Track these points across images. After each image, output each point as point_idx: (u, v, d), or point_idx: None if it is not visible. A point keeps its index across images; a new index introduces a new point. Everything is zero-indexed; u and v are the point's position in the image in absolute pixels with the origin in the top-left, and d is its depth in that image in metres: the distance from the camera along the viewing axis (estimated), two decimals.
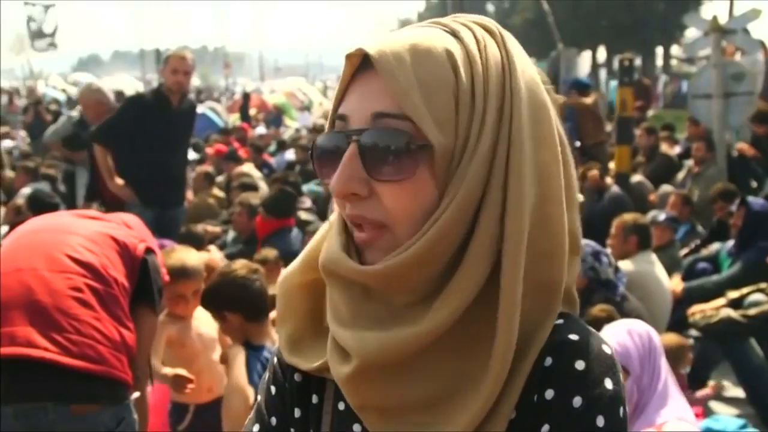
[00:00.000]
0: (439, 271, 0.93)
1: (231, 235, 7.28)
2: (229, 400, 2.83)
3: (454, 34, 0.97)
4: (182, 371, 3.36)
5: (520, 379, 0.92)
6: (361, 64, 0.97)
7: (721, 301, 5.11)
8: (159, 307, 3.00)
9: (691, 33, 16.49)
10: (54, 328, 2.53)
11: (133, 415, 2.72)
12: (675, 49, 35.51)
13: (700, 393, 4.81)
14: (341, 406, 1.04)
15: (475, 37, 0.96)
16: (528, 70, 0.98)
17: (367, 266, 0.95)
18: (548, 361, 0.93)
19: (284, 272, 1.13)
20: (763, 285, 5.02)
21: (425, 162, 0.91)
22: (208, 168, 9.92)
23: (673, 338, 4.40)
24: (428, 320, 0.91)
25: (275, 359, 1.14)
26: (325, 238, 1.09)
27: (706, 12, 27.50)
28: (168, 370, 3.36)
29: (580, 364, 0.92)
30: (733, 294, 5.12)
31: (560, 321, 0.97)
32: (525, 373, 0.92)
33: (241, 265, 3.17)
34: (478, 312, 0.92)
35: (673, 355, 4.07)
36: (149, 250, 2.94)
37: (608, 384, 0.92)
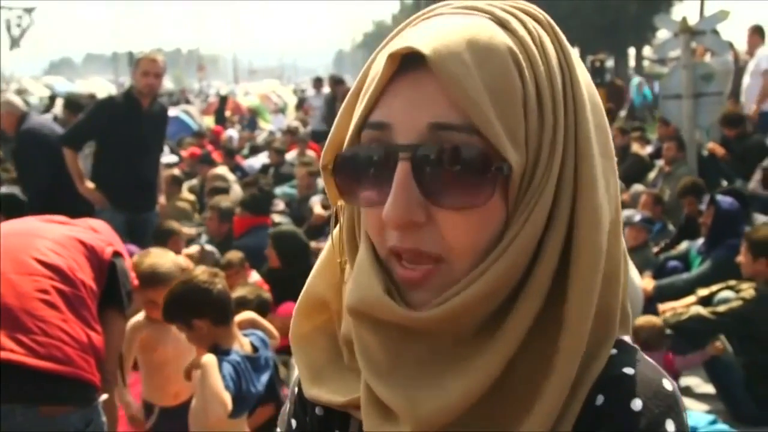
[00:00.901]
0: (501, 302, 0.79)
1: (204, 238, 7.26)
2: (207, 408, 2.80)
3: (503, 24, 0.81)
4: (139, 415, 3.45)
5: (569, 418, 0.79)
6: (402, 64, 0.79)
7: (691, 298, 5.18)
8: (128, 310, 3.00)
9: (662, 34, 16.65)
10: (20, 329, 2.52)
11: (102, 417, 2.71)
12: (647, 50, 35.81)
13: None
14: None
15: (527, 29, 0.81)
16: (581, 66, 0.84)
17: (423, 313, 0.79)
18: (600, 399, 0.80)
19: (291, 323, 1.00)
20: (732, 282, 5.08)
21: (499, 185, 0.77)
22: (175, 171, 9.88)
23: (643, 320, 4.54)
24: (482, 367, 0.77)
25: (296, 389, 1.01)
26: (320, 278, 0.96)
27: (677, 13, 27.78)
28: (131, 402, 3.46)
29: (636, 404, 0.78)
30: (703, 291, 5.18)
31: (614, 351, 0.84)
32: (575, 410, 0.79)
33: (201, 271, 3.15)
34: (532, 345, 0.79)
35: (646, 336, 4.26)
36: (117, 254, 2.93)
37: (670, 427, 0.78)
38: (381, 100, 0.80)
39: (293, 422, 1.01)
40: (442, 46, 0.76)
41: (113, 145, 6.00)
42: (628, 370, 0.81)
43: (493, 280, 0.77)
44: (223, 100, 22.35)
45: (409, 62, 0.78)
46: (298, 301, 0.99)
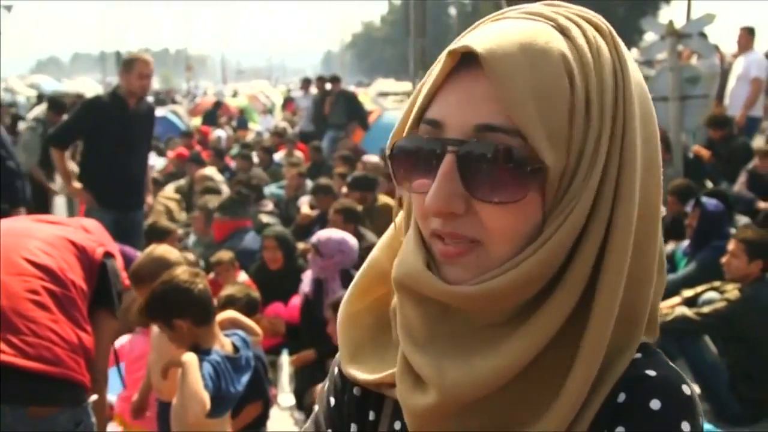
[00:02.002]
0: (534, 293, 0.85)
1: (192, 238, 7.26)
2: (187, 407, 2.81)
3: (563, 31, 0.85)
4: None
5: (589, 414, 0.84)
6: (461, 62, 0.85)
7: (676, 299, 5.21)
8: (118, 311, 2.99)
9: (649, 37, 16.73)
10: (10, 330, 2.51)
11: (92, 417, 2.71)
12: (635, 53, 36.01)
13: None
14: (397, 425, 0.97)
15: (586, 37, 0.85)
16: (637, 75, 0.88)
17: (458, 287, 0.85)
18: (621, 397, 0.85)
19: (342, 302, 1.04)
20: (716, 283, 5.12)
21: (535, 182, 0.82)
22: (154, 174, 9.87)
23: None
24: (512, 351, 0.83)
25: (336, 369, 1.07)
26: (384, 253, 1.02)
27: (664, 16, 27.91)
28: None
29: (655, 403, 0.83)
30: (688, 292, 5.22)
31: (638, 355, 0.88)
32: (595, 408, 0.84)
33: (182, 271, 3.13)
34: (560, 339, 0.84)
35: None
36: (108, 254, 2.93)
37: (685, 427, 0.82)
38: (438, 95, 0.87)
39: (332, 400, 1.06)
40: (496, 47, 0.81)
41: (101, 145, 6.00)
42: (651, 372, 0.86)
43: (528, 270, 0.82)
44: (217, 105, 22.27)
45: (467, 61, 0.84)
46: (356, 278, 1.04)
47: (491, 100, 0.81)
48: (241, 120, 21.65)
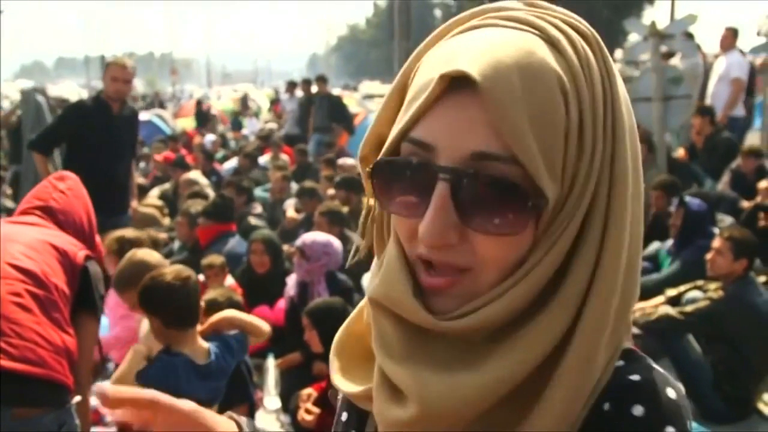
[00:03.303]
0: (518, 317, 0.82)
1: (177, 243, 7.24)
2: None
3: (553, 44, 0.81)
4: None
5: (574, 426, 0.82)
6: (451, 82, 0.79)
7: (660, 298, 5.24)
8: (100, 313, 2.99)
9: (633, 38, 16.79)
10: None
11: (75, 419, 2.70)
12: (618, 54, 36.14)
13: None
14: None
15: (575, 49, 0.82)
16: (620, 82, 0.85)
17: (444, 322, 0.82)
18: (606, 406, 0.83)
19: (345, 322, 1.02)
20: (700, 282, 5.16)
21: (534, 213, 0.80)
22: (138, 179, 9.84)
23: None
24: (493, 368, 0.80)
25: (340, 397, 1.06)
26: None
27: (649, 17, 28.04)
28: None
29: (638, 410, 0.81)
30: (672, 292, 5.26)
31: (621, 363, 0.87)
32: (580, 418, 0.83)
33: (171, 271, 3.13)
34: (547, 359, 0.81)
35: None
36: (89, 258, 2.93)
37: None
38: (426, 116, 0.81)
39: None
40: (492, 70, 0.77)
41: (84, 150, 5.99)
42: (634, 377, 0.84)
43: (513, 299, 0.81)
44: (200, 107, 22.27)
45: (457, 82, 0.79)
46: (361, 303, 1.02)
47: (486, 125, 0.77)
48: (235, 122, 21.84)
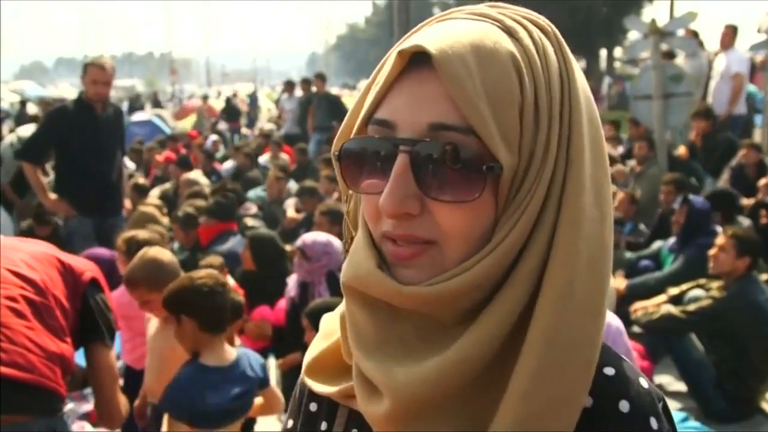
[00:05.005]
0: (485, 294, 0.83)
1: (177, 244, 7.22)
2: None
3: (510, 33, 0.85)
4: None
5: None
6: (410, 62, 0.84)
7: (662, 297, 5.23)
8: (110, 341, 2.94)
9: (633, 35, 16.80)
10: None
11: (68, 427, 2.66)
12: (618, 52, 36.10)
13: None
14: None
15: (532, 38, 0.85)
16: (581, 77, 0.88)
17: (410, 288, 0.83)
18: (588, 401, 0.84)
19: (323, 318, 1.05)
20: (702, 281, 5.15)
21: (490, 182, 0.82)
22: (140, 179, 9.81)
23: None
24: (460, 349, 0.81)
25: (297, 388, 1.08)
26: None
27: (648, 15, 28.03)
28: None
29: (624, 405, 0.84)
30: (674, 290, 5.24)
31: None
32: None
33: (208, 274, 3.14)
34: (517, 338, 0.82)
35: None
36: (96, 281, 2.89)
37: (654, 424, 0.85)
38: (388, 96, 0.85)
39: (290, 423, 1.08)
40: (447, 47, 0.80)
41: (72, 153, 5.97)
42: (609, 371, 0.86)
43: (482, 272, 0.81)
44: (230, 102, 22.97)
45: (416, 61, 0.83)
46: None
47: (444, 99, 0.80)
48: (250, 120, 22.39)
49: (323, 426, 1.01)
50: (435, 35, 0.83)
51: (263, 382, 3.22)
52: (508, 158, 0.81)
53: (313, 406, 1.03)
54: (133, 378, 4.06)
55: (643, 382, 0.87)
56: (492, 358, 0.82)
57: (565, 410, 0.80)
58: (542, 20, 0.89)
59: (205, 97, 24.09)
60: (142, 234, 4.59)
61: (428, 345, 0.83)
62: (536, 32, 0.86)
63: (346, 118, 0.94)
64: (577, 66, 0.88)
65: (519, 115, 0.81)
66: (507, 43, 0.83)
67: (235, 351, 3.15)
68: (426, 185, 0.82)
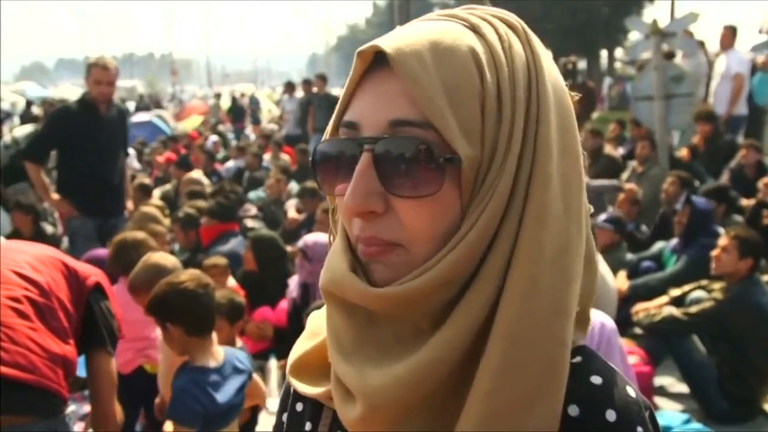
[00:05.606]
0: (456, 293, 0.83)
1: (177, 246, 7.22)
2: None
3: (475, 29, 0.86)
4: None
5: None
6: (372, 64, 0.85)
7: (664, 299, 5.22)
8: (112, 347, 2.92)
9: (634, 36, 16.79)
10: None
11: (70, 429, 2.65)
12: (619, 52, 36.09)
13: None
14: None
15: (498, 33, 0.86)
16: (553, 71, 0.88)
17: (378, 289, 0.83)
18: (574, 410, 0.83)
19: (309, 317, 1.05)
20: (704, 282, 5.14)
21: (451, 175, 0.81)
22: (145, 179, 9.80)
23: None
24: (428, 349, 0.80)
25: (284, 388, 1.09)
26: None
27: (648, 16, 28.02)
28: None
29: (611, 414, 0.83)
30: (675, 291, 5.23)
31: (578, 359, 0.87)
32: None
33: (190, 277, 3.07)
34: (484, 338, 0.81)
35: None
36: (100, 287, 2.88)
37: None
38: (353, 98, 0.87)
39: (281, 417, 1.08)
40: (404, 46, 0.82)
41: (75, 153, 5.96)
42: (596, 379, 0.85)
43: (448, 267, 0.81)
44: (235, 102, 23.52)
45: (379, 62, 0.84)
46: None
47: (403, 96, 0.81)
48: (255, 118, 22.58)
49: (308, 426, 1.01)
50: (396, 36, 0.85)
51: (250, 374, 3.21)
52: (468, 150, 0.81)
53: (299, 406, 1.04)
54: (122, 382, 4.03)
55: (631, 391, 0.86)
56: (462, 357, 0.81)
57: (531, 410, 0.79)
58: (512, 17, 0.90)
59: (218, 95, 24.39)
60: (131, 235, 4.53)
61: (404, 348, 0.83)
62: (503, 28, 0.87)
63: (329, 125, 0.94)
64: (549, 61, 0.88)
65: (480, 109, 0.82)
66: (468, 39, 0.84)
67: (220, 348, 3.13)
68: (388, 182, 0.82)
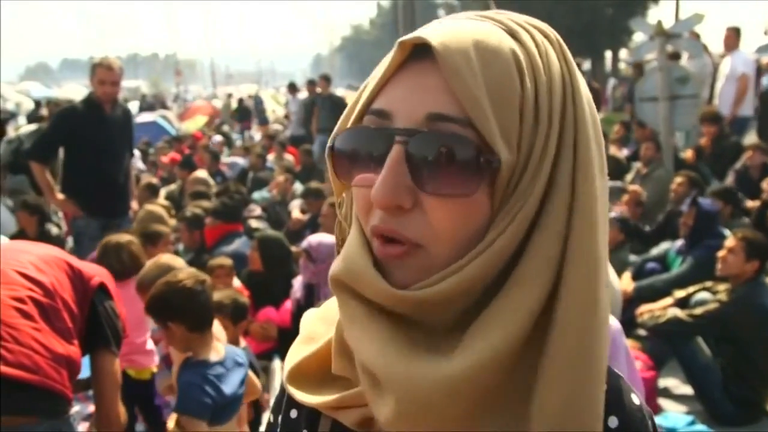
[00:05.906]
0: (478, 297, 0.80)
1: (182, 246, 7.23)
2: None
3: (513, 34, 0.84)
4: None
5: None
6: (410, 56, 0.82)
7: (668, 300, 5.21)
8: (116, 348, 2.93)
9: (639, 37, 16.79)
10: None
11: (74, 429, 2.65)
12: (623, 53, 36.06)
13: None
14: None
15: (535, 41, 0.84)
16: (584, 84, 0.86)
17: (401, 291, 0.80)
18: None
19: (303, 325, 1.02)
20: (708, 283, 5.12)
21: (486, 179, 0.79)
22: (151, 179, 9.81)
23: None
24: (463, 357, 0.76)
25: (278, 392, 1.07)
26: None
27: (653, 17, 27.99)
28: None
29: (612, 421, 0.83)
30: (680, 293, 5.22)
31: None
32: None
33: (187, 275, 3.11)
34: (531, 343, 0.78)
35: None
36: (104, 288, 2.88)
37: None
38: (386, 88, 0.83)
39: (272, 417, 1.06)
40: (450, 41, 0.79)
41: (80, 153, 5.97)
42: None
43: (474, 272, 0.78)
44: (241, 103, 23.76)
45: (417, 55, 0.81)
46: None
47: (443, 91, 0.78)
48: (262, 118, 22.69)
49: None
50: (438, 30, 0.81)
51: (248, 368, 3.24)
52: (506, 154, 0.78)
53: (293, 413, 1.01)
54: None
55: (634, 398, 0.86)
56: (510, 364, 0.77)
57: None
58: (545, 26, 0.88)
59: (229, 95, 24.61)
60: (115, 238, 4.47)
61: (422, 346, 0.79)
62: (539, 36, 0.85)
63: (343, 115, 0.91)
64: (579, 74, 0.86)
65: (519, 114, 0.79)
66: (509, 42, 0.82)
67: (220, 344, 3.16)
68: (420, 178, 0.79)
